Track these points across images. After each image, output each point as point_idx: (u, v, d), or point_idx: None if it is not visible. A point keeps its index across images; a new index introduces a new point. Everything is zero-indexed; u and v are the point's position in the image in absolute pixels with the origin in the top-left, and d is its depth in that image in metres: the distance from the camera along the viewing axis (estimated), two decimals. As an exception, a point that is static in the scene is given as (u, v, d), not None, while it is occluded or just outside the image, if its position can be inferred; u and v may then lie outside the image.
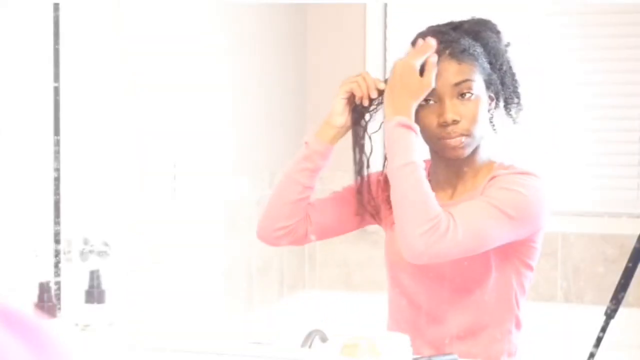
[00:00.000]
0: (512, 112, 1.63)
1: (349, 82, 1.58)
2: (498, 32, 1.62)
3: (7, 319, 0.53)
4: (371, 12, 3.10)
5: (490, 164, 1.61)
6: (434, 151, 1.59)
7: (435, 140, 1.54)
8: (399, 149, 1.49)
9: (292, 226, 1.62)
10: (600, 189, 2.96)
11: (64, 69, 1.62)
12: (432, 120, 1.53)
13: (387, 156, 1.52)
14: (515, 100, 1.63)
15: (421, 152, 1.52)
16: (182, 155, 2.20)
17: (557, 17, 2.97)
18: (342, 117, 1.59)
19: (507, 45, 1.64)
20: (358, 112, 1.60)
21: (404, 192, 1.47)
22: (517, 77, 1.64)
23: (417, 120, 1.54)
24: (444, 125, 1.52)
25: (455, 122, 1.51)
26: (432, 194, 1.48)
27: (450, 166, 1.60)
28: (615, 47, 2.93)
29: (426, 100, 1.53)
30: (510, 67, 1.63)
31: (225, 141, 2.51)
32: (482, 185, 1.57)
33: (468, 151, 1.55)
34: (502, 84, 1.61)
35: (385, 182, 1.63)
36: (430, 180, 1.64)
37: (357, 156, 1.63)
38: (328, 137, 1.60)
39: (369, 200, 1.65)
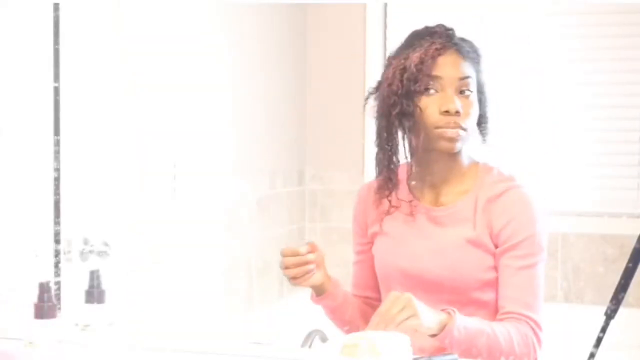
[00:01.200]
0: (482, 130, 1.64)
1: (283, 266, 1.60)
2: (479, 56, 1.63)
3: None
4: (371, 12, 3.10)
5: (474, 166, 1.62)
6: (424, 148, 1.58)
7: (432, 129, 1.55)
8: (474, 339, 1.48)
9: (360, 320, 1.68)
10: (600, 189, 2.96)
11: (64, 69, 1.62)
12: (433, 109, 1.54)
13: (464, 345, 1.49)
14: (483, 120, 1.64)
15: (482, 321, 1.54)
16: (182, 155, 2.20)
17: (557, 17, 2.97)
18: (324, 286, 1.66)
19: (481, 70, 1.65)
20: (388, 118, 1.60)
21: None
22: (489, 101, 1.65)
23: (417, 108, 1.54)
24: (446, 114, 1.53)
25: (457, 113, 1.53)
26: (507, 332, 1.52)
27: (434, 167, 1.60)
28: (615, 47, 2.93)
29: (427, 88, 1.54)
30: (484, 91, 1.64)
31: (225, 141, 2.51)
32: (473, 198, 1.58)
33: (460, 146, 1.56)
34: (479, 100, 1.62)
35: (374, 193, 1.65)
36: (413, 184, 1.64)
37: (384, 154, 1.63)
38: (326, 290, 1.66)
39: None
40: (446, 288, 1.58)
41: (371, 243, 1.71)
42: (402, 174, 1.63)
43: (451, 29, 1.61)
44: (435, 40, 1.57)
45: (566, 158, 2.97)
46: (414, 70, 1.54)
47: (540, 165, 2.96)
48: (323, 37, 3.16)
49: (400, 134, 1.60)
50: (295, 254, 1.57)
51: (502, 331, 1.50)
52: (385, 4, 3.11)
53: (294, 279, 1.58)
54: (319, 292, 1.65)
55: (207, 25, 2.38)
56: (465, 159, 1.62)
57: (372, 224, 1.69)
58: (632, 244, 1.68)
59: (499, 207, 1.57)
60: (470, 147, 1.62)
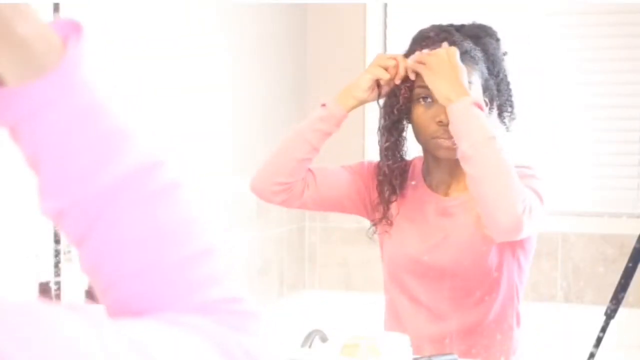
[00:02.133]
0: (506, 120, 1.64)
1: (383, 64, 1.57)
2: (498, 40, 1.63)
3: None
4: (371, 12, 3.10)
5: None
6: (427, 150, 1.60)
7: (429, 139, 1.56)
8: (481, 124, 1.46)
9: (290, 184, 1.61)
10: (600, 189, 2.96)
11: (64, 69, 1.62)
12: (427, 119, 1.55)
13: (461, 135, 1.47)
14: (509, 108, 1.63)
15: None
16: (182, 155, 2.20)
17: (557, 17, 2.97)
18: (366, 93, 1.58)
19: (505, 54, 1.64)
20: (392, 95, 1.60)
21: (496, 166, 1.44)
22: (513, 86, 1.64)
23: (413, 118, 1.55)
24: (440, 124, 1.53)
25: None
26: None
27: (444, 166, 1.61)
28: (615, 47, 2.93)
29: (423, 98, 1.55)
30: (506, 76, 1.64)
31: (225, 141, 2.51)
32: None
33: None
34: (498, 90, 1.62)
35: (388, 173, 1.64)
36: (424, 178, 1.65)
37: (390, 137, 1.62)
38: (348, 106, 1.59)
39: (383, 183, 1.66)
40: (455, 276, 1.58)
41: (353, 192, 1.69)
42: (417, 164, 1.65)
43: (447, 30, 1.59)
44: (430, 46, 1.55)
45: (566, 158, 2.97)
46: (408, 81, 1.55)
47: (540, 165, 2.96)
48: (323, 37, 3.16)
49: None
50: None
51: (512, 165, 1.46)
52: (385, 4, 3.11)
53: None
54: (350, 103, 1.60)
55: (207, 25, 2.38)
56: None
57: (377, 206, 1.68)
58: (632, 244, 1.68)
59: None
60: None
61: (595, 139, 2.96)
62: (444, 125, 1.52)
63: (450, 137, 1.52)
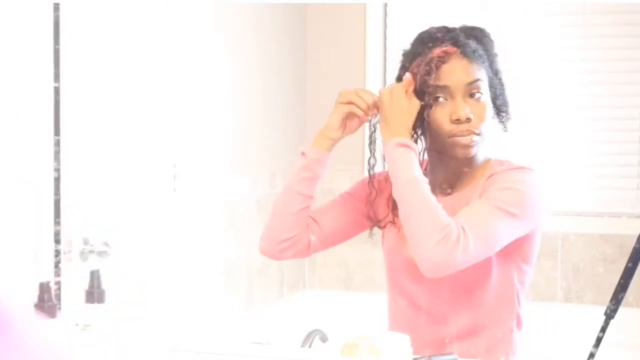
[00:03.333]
0: (503, 119, 1.64)
1: (346, 100, 1.60)
2: (492, 41, 1.63)
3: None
4: (371, 12, 3.10)
5: (486, 162, 1.62)
6: (438, 151, 1.59)
7: (446, 138, 1.55)
8: (401, 167, 1.52)
9: (295, 237, 1.65)
10: (600, 189, 2.96)
11: (64, 69, 1.62)
12: (444, 118, 1.54)
13: (391, 176, 1.55)
14: (504, 108, 1.64)
15: (420, 169, 1.54)
16: (182, 155, 2.19)
17: (557, 17, 2.97)
18: (339, 132, 1.63)
19: (496, 55, 1.64)
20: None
21: (412, 207, 1.50)
22: (506, 86, 1.65)
23: (429, 118, 1.54)
24: (457, 122, 1.53)
25: (468, 119, 1.53)
26: (439, 206, 1.50)
27: (450, 166, 1.60)
28: (615, 47, 2.93)
29: (436, 98, 1.54)
30: (501, 77, 1.64)
31: (226, 141, 2.51)
32: (481, 183, 1.57)
33: (476, 150, 1.56)
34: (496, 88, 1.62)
35: (385, 182, 1.64)
36: (428, 181, 1.65)
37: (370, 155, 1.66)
38: (325, 147, 1.63)
39: (374, 198, 1.67)
40: (454, 278, 1.58)
41: (366, 218, 1.71)
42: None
43: (454, 30, 1.59)
44: (438, 47, 1.55)
45: (566, 158, 2.97)
46: (420, 83, 1.54)
47: (540, 165, 2.96)
48: (323, 37, 3.16)
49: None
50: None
51: (436, 205, 1.49)
52: (385, 4, 3.11)
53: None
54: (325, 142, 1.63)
55: (207, 25, 2.38)
56: (478, 158, 1.61)
57: (381, 212, 1.69)
58: (632, 244, 1.68)
59: (496, 178, 1.57)
60: (486, 146, 1.61)
61: (595, 139, 2.96)
62: (461, 122, 1.52)
63: (467, 135, 1.53)
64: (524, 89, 2.98)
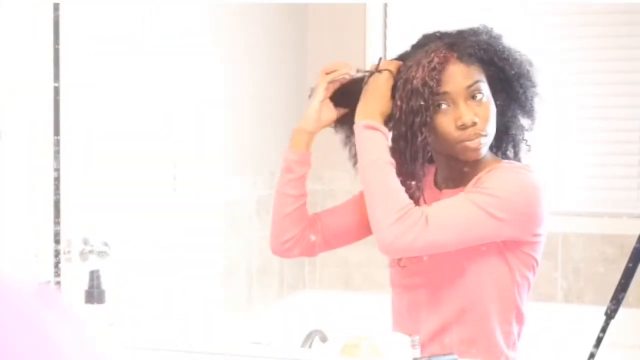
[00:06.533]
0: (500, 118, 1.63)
1: (328, 70, 1.65)
2: (494, 37, 1.62)
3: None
4: (371, 12, 3.10)
5: (492, 161, 1.62)
6: (447, 155, 1.58)
7: (454, 144, 1.54)
8: (366, 148, 1.54)
9: (297, 235, 1.68)
10: (600, 189, 2.96)
11: (64, 69, 1.62)
12: (449, 124, 1.53)
13: (357, 157, 1.57)
14: (529, 116, 1.66)
15: (388, 151, 1.55)
16: (182, 155, 2.20)
17: (557, 17, 2.97)
18: (316, 122, 1.66)
19: (503, 51, 1.63)
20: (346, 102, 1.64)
21: (372, 187, 1.52)
22: (534, 83, 1.65)
23: (433, 126, 1.53)
24: (462, 127, 1.52)
25: (474, 123, 1.52)
26: (401, 188, 1.51)
27: (456, 168, 1.60)
28: (615, 47, 2.93)
29: (439, 105, 1.53)
30: (520, 70, 1.64)
31: (225, 141, 2.51)
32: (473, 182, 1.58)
33: (484, 151, 1.56)
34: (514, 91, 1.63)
35: None
36: (436, 182, 1.65)
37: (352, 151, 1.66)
38: (302, 145, 1.66)
39: None
40: (453, 276, 1.59)
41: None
42: (428, 173, 1.65)
43: (450, 33, 1.59)
44: (434, 52, 1.54)
45: (566, 158, 2.97)
46: (420, 92, 1.53)
47: (540, 165, 2.96)
48: (323, 37, 3.16)
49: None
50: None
51: (397, 186, 1.50)
52: (385, 4, 3.11)
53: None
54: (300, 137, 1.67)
55: (207, 25, 2.38)
56: (485, 158, 1.60)
57: None
58: (632, 244, 1.68)
59: (486, 176, 1.56)
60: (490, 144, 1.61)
61: (595, 139, 2.96)
62: (467, 127, 1.52)
63: (475, 138, 1.52)
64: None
